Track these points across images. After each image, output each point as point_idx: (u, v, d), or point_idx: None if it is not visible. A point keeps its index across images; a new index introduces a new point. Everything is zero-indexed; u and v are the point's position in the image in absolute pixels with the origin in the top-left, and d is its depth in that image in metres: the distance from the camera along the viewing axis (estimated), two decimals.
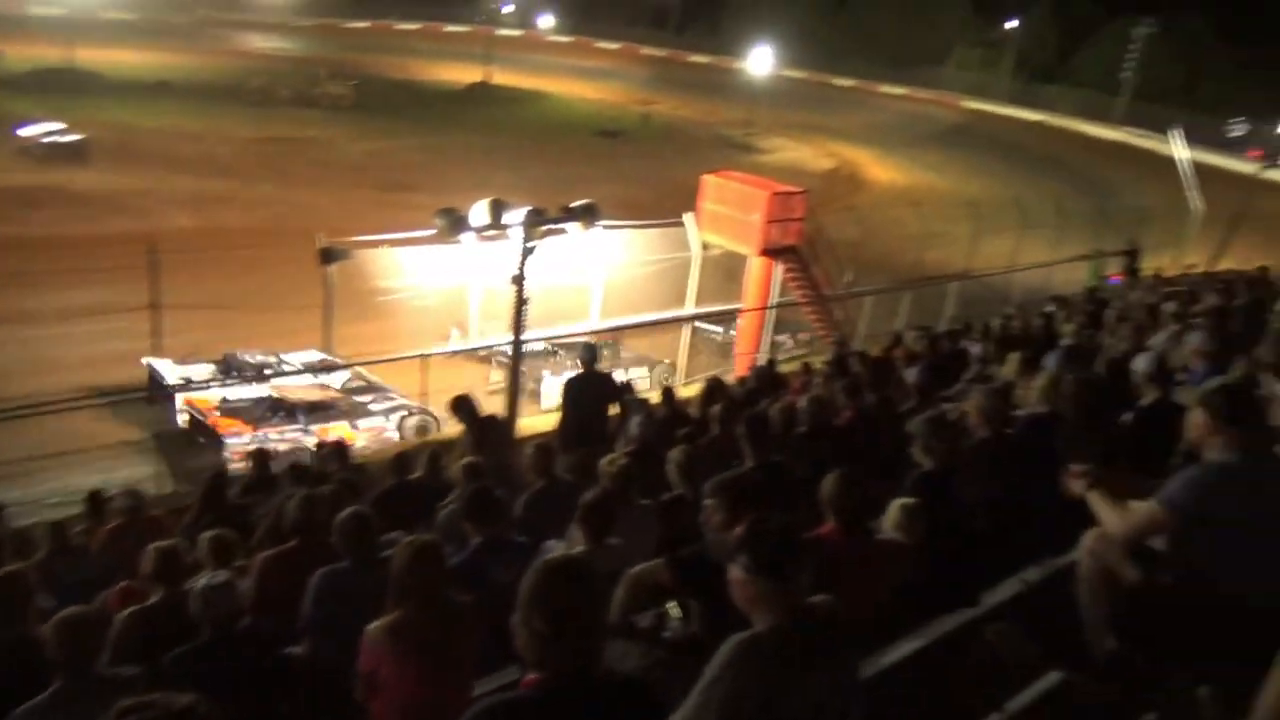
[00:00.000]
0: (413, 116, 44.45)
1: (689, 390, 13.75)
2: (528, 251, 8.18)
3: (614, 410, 7.82)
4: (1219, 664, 2.95)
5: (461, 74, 56.67)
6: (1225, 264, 22.03)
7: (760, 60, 56.78)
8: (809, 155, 49.17)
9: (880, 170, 46.73)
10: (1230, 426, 3.08)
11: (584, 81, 61.18)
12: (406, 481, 5.88)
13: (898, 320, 19.59)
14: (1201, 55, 64.03)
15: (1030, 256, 26.42)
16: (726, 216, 18.51)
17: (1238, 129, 52.63)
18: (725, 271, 20.73)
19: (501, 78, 56.92)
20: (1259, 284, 11.88)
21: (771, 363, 12.18)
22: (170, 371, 11.86)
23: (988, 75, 69.92)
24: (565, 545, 4.05)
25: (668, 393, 8.44)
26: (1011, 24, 70.03)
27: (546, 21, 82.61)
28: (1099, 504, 3.30)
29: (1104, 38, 66.45)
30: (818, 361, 12.24)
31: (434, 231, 7.99)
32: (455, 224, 7.75)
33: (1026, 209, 25.31)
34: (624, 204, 22.23)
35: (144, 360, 12.02)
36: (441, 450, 6.36)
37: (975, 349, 9.21)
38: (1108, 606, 3.36)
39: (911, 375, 7.68)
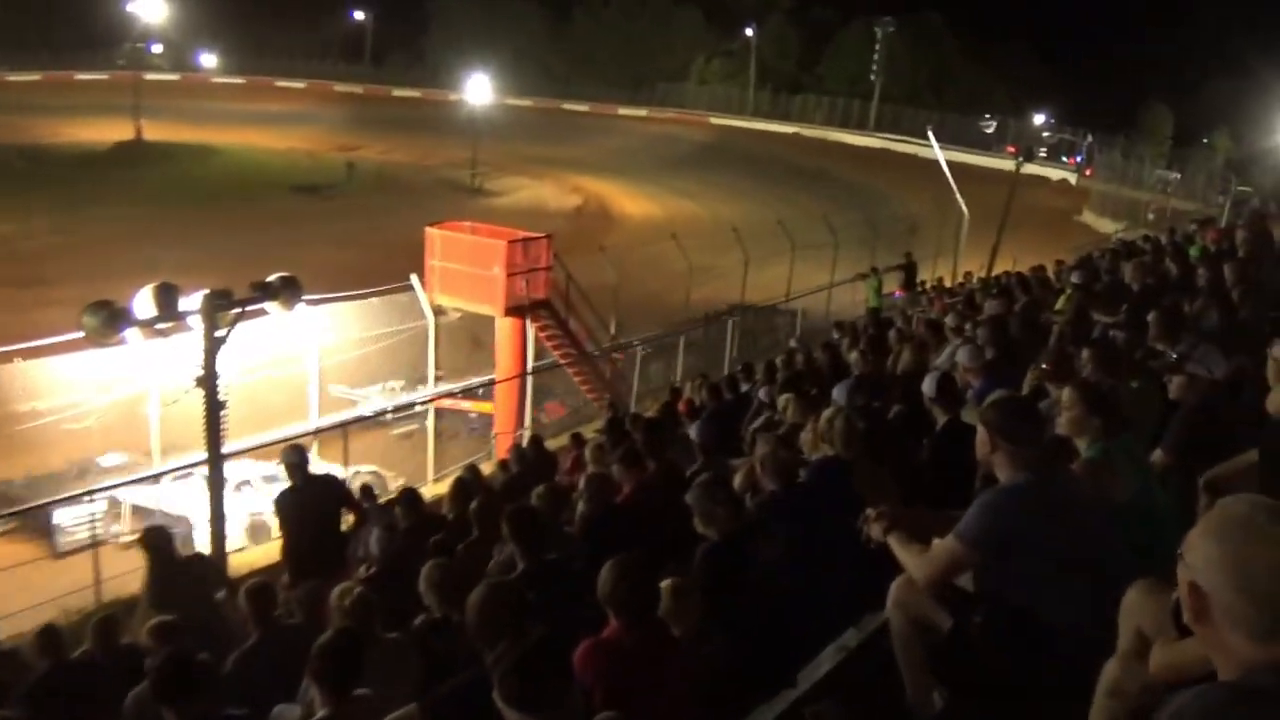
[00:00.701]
0: (44, 189, 41.14)
1: (441, 487, 13.41)
2: (216, 344, 7.83)
3: (351, 521, 7.98)
4: (1053, 701, 3.18)
5: (104, 131, 53.49)
6: (1003, 265, 25.25)
7: (478, 90, 57.84)
8: (550, 193, 50.89)
9: (632, 202, 49.42)
10: (1010, 443, 3.42)
11: (267, 129, 60.27)
12: (67, 663, 5.25)
13: (676, 370, 20.57)
14: (942, 53, 74.30)
15: (806, 281, 29.30)
16: (461, 273, 18.51)
17: (989, 126, 61.67)
18: (472, 338, 20.69)
19: (157, 132, 54.63)
20: (1037, 285, 13.71)
21: (536, 440, 12.22)
22: None
23: (733, 88, 76.86)
24: (301, 708, 3.92)
25: (408, 496, 8.21)
26: (748, 32, 77.03)
27: (208, 61, 79.45)
28: (898, 549, 3.53)
29: (845, 41, 75.59)
30: (589, 430, 12.44)
31: (83, 334, 7.42)
32: (111, 320, 7.18)
33: (794, 230, 27.59)
34: (340, 271, 21.59)
35: None
36: (117, 615, 6.03)
37: (762, 392, 9.77)
38: (924, 660, 3.57)
39: (694, 432, 7.98)
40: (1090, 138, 57.97)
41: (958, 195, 30.24)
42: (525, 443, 12.07)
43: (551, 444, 14.16)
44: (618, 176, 53.44)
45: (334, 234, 35.68)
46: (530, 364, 18.96)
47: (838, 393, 6.79)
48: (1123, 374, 5.74)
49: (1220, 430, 4.83)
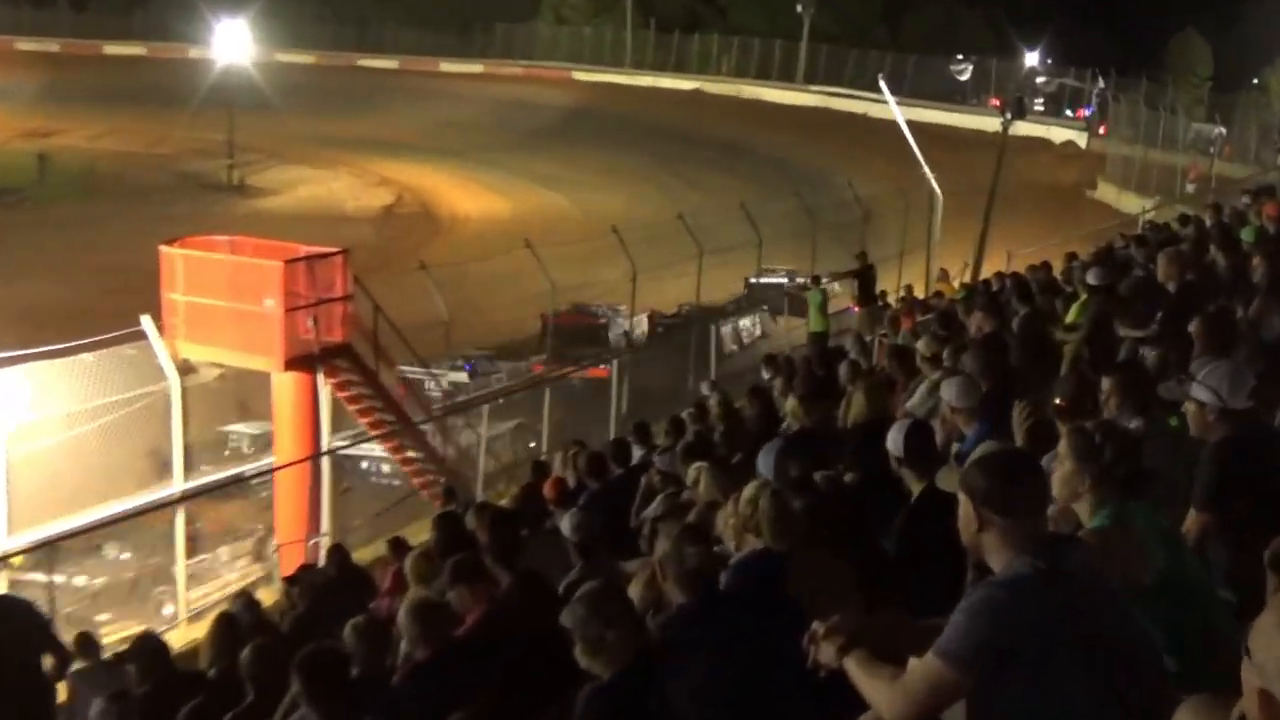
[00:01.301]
0: None
1: (200, 629, 13.02)
2: None
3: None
4: None
5: None
6: (993, 265, 26.20)
7: (231, 42, 56.87)
8: (346, 188, 51.41)
9: (467, 197, 50.04)
10: (1004, 516, 3.50)
11: None
12: None
13: (540, 437, 20.60)
14: None
15: (721, 297, 29.78)
16: (216, 311, 18.21)
17: (964, 72, 63.79)
18: (238, 404, 20.25)
19: None
20: (1041, 290, 14.20)
21: (338, 552, 11.99)
22: None
23: (604, 29, 78.44)
24: None
25: (146, 646, 7.98)
26: None
27: None
28: (859, 675, 3.54)
29: None
30: (414, 533, 12.28)
31: None
32: None
33: (701, 226, 27.98)
34: (32, 313, 20.94)
35: None
36: None
37: (662, 461, 9.83)
38: None
39: (568, 525, 7.95)
40: (1102, 83, 60.78)
41: (926, 169, 31.30)
42: (323, 556, 11.87)
43: (363, 554, 13.90)
44: (445, 160, 53.85)
45: (21, 259, 34.44)
46: (326, 440, 18.70)
47: (765, 459, 6.89)
48: (1156, 408, 5.98)
49: (1268, 477, 5.04)
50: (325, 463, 18.49)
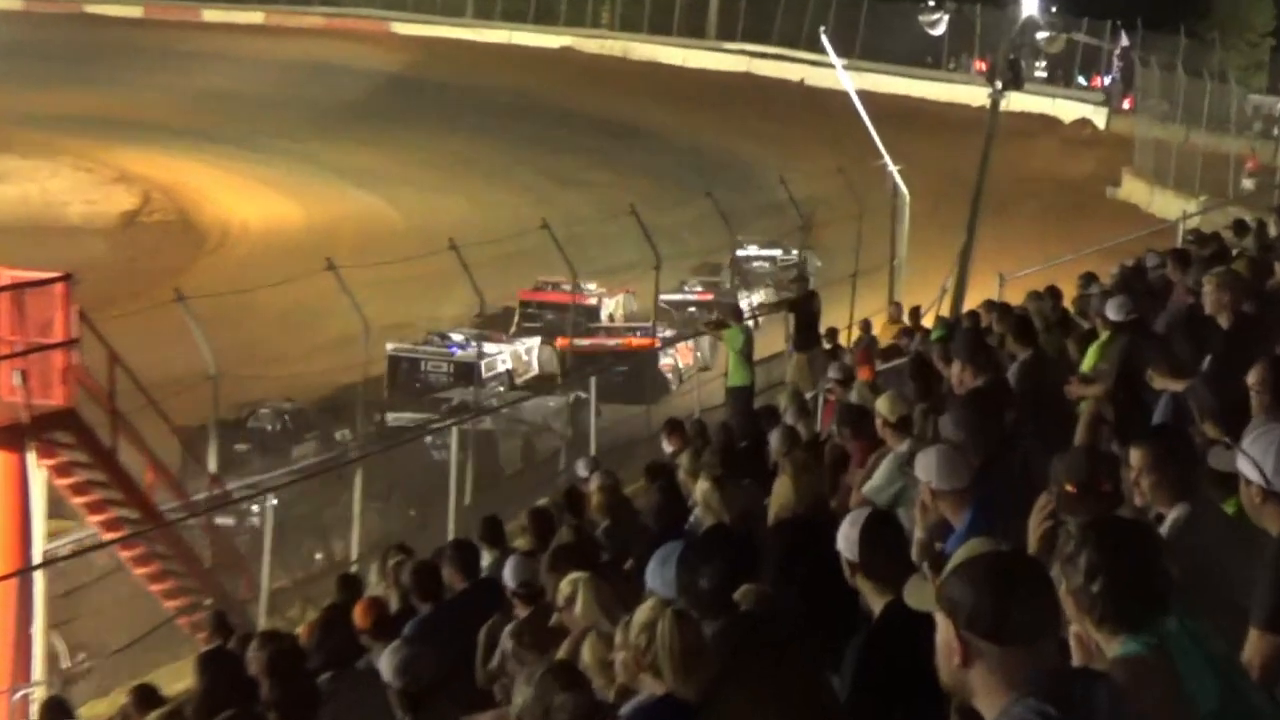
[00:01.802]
0: None
1: None
2: None
3: None
4: None
5: None
6: (980, 291, 26.53)
7: None
8: (70, 186, 51.09)
9: (245, 199, 50.18)
10: (1002, 643, 3.48)
11: None
12: None
13: (350, 537, 20.41)
14: None
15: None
16: None
17: (937, 24, 64.18)
18: None
19: None
20: (1048, 326, 14.32)
21: (54, 709, 11.65)
22: None
23: None
24: None
25: None
26: None
27: None
28: None
29: None
30: (171, 682, 12.04)
31: None
32: None
33: (576, 238, 27.86)
34: None
35: None
36: None
37: (521, 571, 9.78)
38: None
39: (387, 666, 7.87)
40: (1126, 39, 61.94)
41: (887, 159, 31.77)
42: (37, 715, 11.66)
43: (95, 711, 13.67)
44: (211, 148, 53.92)
45: None
46: (39, 549, 18.39)
47: (663, 568, 6.88)
48: (1197, 488, 6.07)
49: None
50: (39, 580, 18.15)
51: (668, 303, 33.16)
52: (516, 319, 34.30)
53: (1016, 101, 39.56)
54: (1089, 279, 18.93)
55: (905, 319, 25.93)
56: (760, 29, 70.15)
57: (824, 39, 39.52)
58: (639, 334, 31.92)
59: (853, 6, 64.86)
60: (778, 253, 37.83)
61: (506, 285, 26.60)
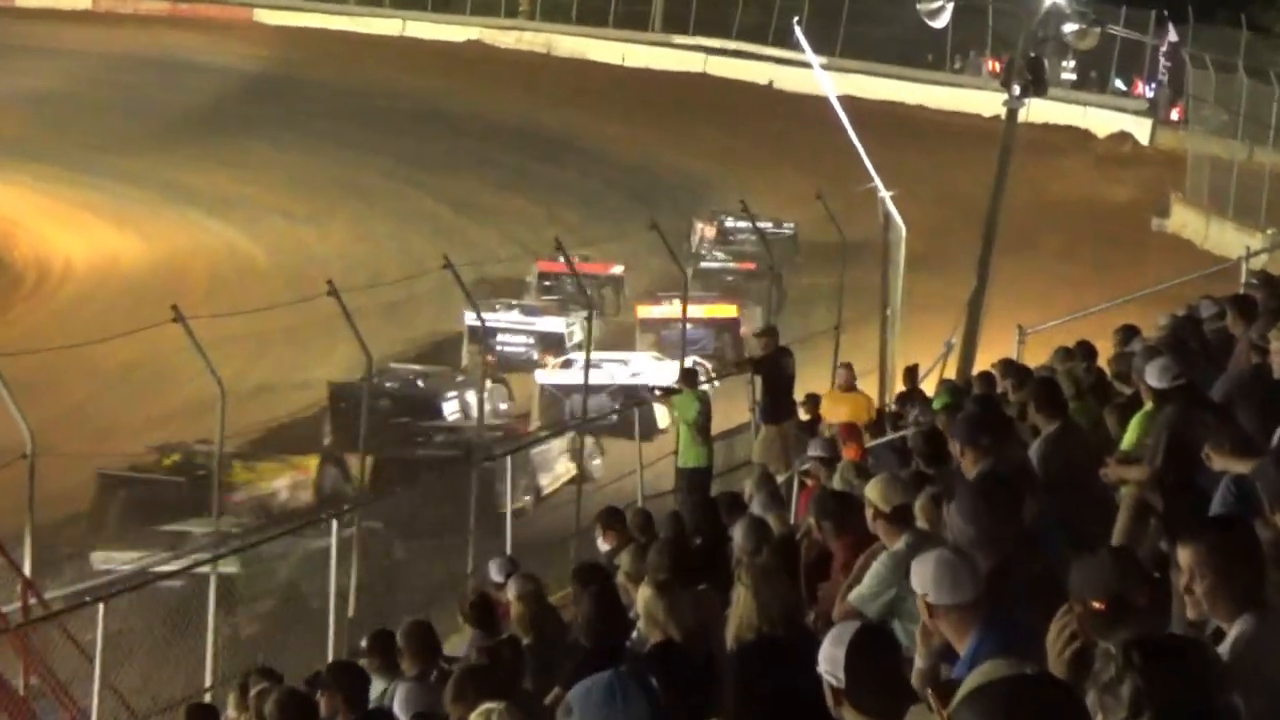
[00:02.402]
0: None
1: None
2: None
3: None
4: None
5: None
6: (994, 349, 26.67)
7: None
8: None
9: (68, 229, 49.86)
10: None
11: None
12: None
13: (203, 658, 20.29)
14: None
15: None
16: None
17: (939, 13, 63.70)
18: None
19: None
20: (1079, 395, 14.33)
21: None
22: None
23: None
24: None
25: None
26: None
27: None
28: None
29: None
30: None
31: None
32: None
33: (486, 278, 27.65)
34: None
35: None
36: None
37: (412, 700, 9.78)
38: None
39: None
40: (1174, 33, 62.24)
41: (878, 182, 31.89)
42: None
43: None
44: (25, 166, 53.50)
45: None
46: None
47: (595, 701, 6.84)
48: (1265, 596, 6.11)
49: None
50: None
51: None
52: (534, 290, 40.05)
53: (1039, 110, 39.85)
54: (1130, 333, 19.02)
55: (900, 384, 26.08)
56: (717, 20, 70.77)
57: (797, 32, 39.81)
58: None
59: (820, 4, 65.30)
60: (768, 225, 38.58)
61: (398, 336, 26.42)
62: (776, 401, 24.69)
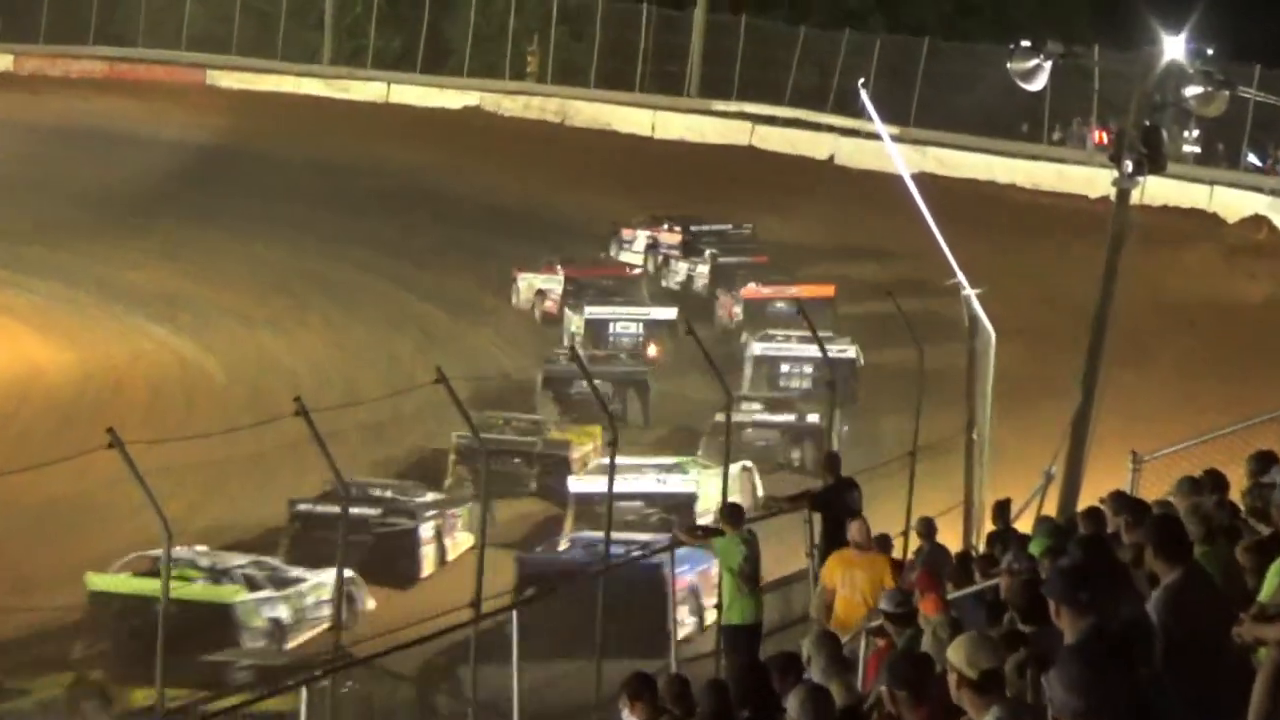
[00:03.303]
0: None
1: None
2: None
3: None
4: None
5: None
6: (1102, 480, 26.64)
7: None
8: None
9: None
10: None
11: None
12: None
13: None
14: None
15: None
16: None
17: (1032, 74, 63.84)
18: None
19: None
20: (1205, 535, 14.30)
21: None
22: None
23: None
24: None
25: None
26: None
27: None
28: None
29: None
30: None
31: None
32: None
33: (497, 396, 27.58)
34: None
35: None
36: None
37: None
38: None
39: None
40: None
41: (961, 278, 31.98)
42: None
43: None
44: None
45: None
46: None
47: None
48: None
49: None
50: None
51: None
52: (561, 295, 47.48)
53: (1156, 190, 39.95)
54: (1267, 461, 19.00)
55: (989, 523, 25.98)
56: (766, 83, 71.40)
57: (863, 96, 40.13)
58: None
59: (903, 50, 65.58)
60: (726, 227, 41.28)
61: (378, 458, 26.48)
62: (838, 544, 24.67)
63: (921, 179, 34.21)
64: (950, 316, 32.59)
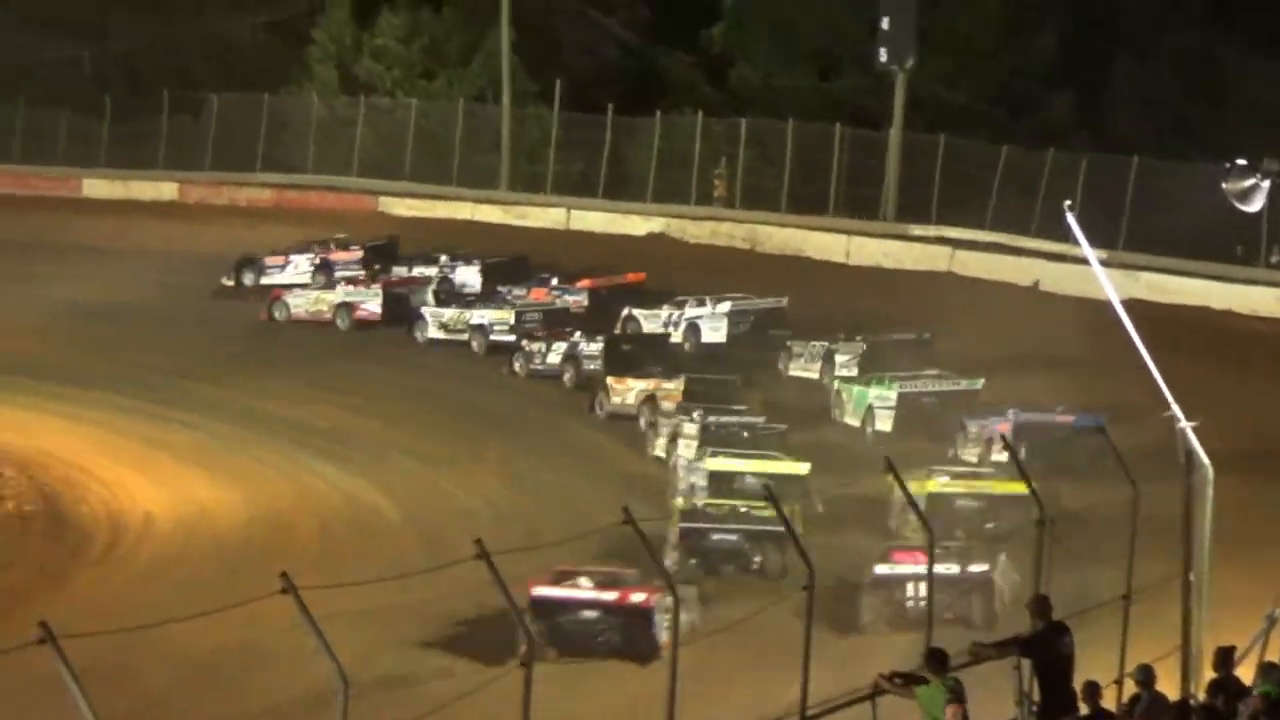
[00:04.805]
0: None
1: None
2: None
3: None
4: None
5: None
6: None
7: None
8: None
9: (146, 473, 50.09)
10: None
11: None
12: None
13: None
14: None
15: None
16: None
17: (1249, 195, 63.04)
18: None
19: None
20: None
21: None
22: None
23: (451, 105, 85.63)
24: None
25: None
26: None
27: None
28: None
29: None
30: None
31: None
32: None
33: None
34: None
35: None
36: None
37: None
38: None
39: None
40: None
41: (1176, 410, 31.65)
42: None
43: None
44: (91, 397, 55.21)
45: None
46: None
47: None
48: None
49: None
50: None
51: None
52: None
53: None
54: None
55: (1210, 670, 25.67)
56: (966, 206, 72.01)
57: (1069, 219, 39.75)
58: None
59: (1111, 170, 65.34)
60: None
61: None
62: (1051, 693, 24.48)
63: (1131, 305, 33.90)
64: (1164, 450, 32.30)
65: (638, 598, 38.45)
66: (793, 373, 59.26)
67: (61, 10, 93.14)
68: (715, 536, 41.73)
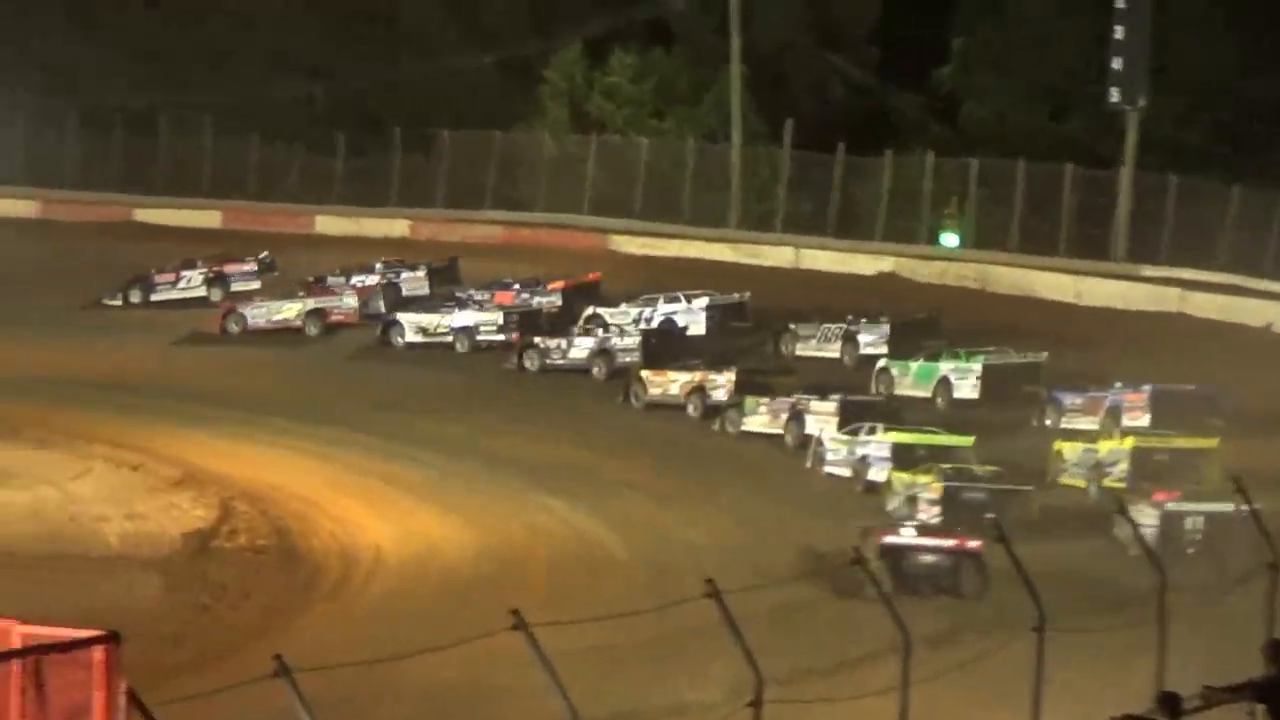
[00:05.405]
0: None
1: None
2: None
3: None
4: None
5: None
6: None
7: None
8: (107, 489, 51.66)
9: (375, 508, 50.36)
10: None
11: None
12: None
13: None
14: None
15: None
16: None
17: None
18: None
19: None
20: None
21: None
22: None
23: (682, 143, 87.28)
24: None
25: None
26: None
27: None
28: None
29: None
30: None
31: None
32: None
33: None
34: None
35: None
36: None
37: None
38: None
39: None
40: None
41: None
42: None
43: None
44: (319, 432, 56.44)
45: None
46: None
47: None
48: None
49: None
50: None
51: None
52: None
53: None
54: None
55: None
56: (1198, 247, 71.61)
57: None
58: None
59: None
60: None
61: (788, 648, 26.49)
62: None
63: None
64: None
65: (973, 544, 41.78)
66: (800, 353, 63.61)
67: (293, 48, 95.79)
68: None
